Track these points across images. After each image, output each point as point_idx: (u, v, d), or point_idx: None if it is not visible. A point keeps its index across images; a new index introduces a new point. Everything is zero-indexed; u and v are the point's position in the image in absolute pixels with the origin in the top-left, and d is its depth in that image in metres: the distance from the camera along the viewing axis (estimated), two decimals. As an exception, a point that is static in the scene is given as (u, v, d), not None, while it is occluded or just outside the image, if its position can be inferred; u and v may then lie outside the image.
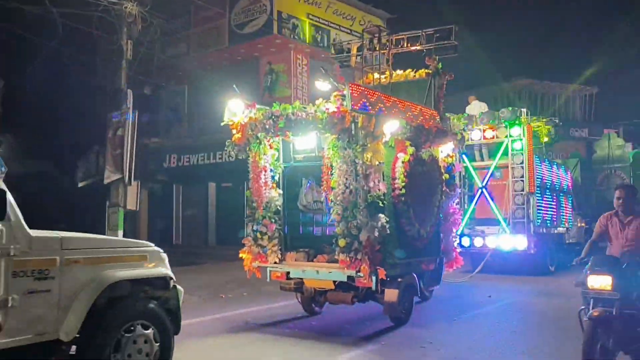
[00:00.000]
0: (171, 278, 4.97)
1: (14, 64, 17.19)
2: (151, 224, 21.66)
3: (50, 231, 4.43)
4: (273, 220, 7.86)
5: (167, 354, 4.77)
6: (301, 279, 7.85)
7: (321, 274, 7.51)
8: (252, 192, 7.93)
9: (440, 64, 8.75)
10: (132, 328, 4.51)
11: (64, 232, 4.45)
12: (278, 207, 7.98)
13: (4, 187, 3.82)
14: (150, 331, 4.64)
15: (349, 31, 19.89)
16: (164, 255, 4.98)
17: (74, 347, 4.36)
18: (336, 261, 7.30)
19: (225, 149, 7.94)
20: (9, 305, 3.80)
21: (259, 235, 7.85)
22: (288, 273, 7.89)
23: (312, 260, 7.82)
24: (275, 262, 7.87)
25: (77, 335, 4.29)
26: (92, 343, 4.25)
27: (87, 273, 4.31)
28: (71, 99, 19.32)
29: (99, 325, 4.28)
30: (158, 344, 4.68)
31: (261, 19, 18.38)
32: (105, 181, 12.35)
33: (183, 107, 21.72)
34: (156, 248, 5.00)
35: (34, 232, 4.12)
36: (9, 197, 3.83)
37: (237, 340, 7.09)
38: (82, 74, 19.05)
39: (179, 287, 5.04)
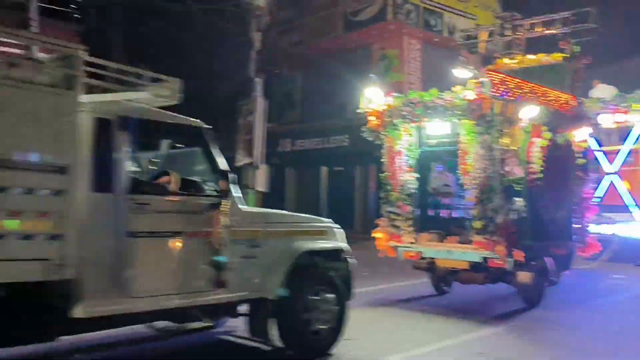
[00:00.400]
0: (345, 250, 5.53)
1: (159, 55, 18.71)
2: (265, 206, 22.60)
3: (256, 207, 5.16)
4: (407, 203, 8.23)
5: (343, 317, 5.31)
6: (433, 258, 8.16)
7: (455, 254, 7.77)
8: (387, 175, 8.33)
9: (577, 47, 8.62)
10: (318, 293, 5.12)
11: (266, 209, 5.17)
12: (412, 190, 8.32)
13: (229, 168, 4.54)
14: (331, 296, 5.22)
15: (463, 14, 19.61)
16: (339, 230, 5.56)
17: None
18: (466, 242, 7.55)
19: (362, 133, 8.41)
20: (231, 267, 4.53)
21: (393, 216, 8.27)
22: (421, 253, 8.23)
23: (442, 242, 8.11)
24: (409, 243, 8.24)
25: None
26: (287, 303, 4.92)
27: (283, 243, 5.00)
28: (194, 87, 20.61)
29: (293, 288, 4.93)
30: (337, 308, 5.25)
31: (376, 5, 18.60)
32: (237, 164, 13.29)
33: (296, 93, 22.50)
34: (333, 224, 5.61)
35: (244, 208, 4.83)
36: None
37: (372, 315, 7.45)
38: (205, 62, 20.25)
39: (351, 259, 5.59)
